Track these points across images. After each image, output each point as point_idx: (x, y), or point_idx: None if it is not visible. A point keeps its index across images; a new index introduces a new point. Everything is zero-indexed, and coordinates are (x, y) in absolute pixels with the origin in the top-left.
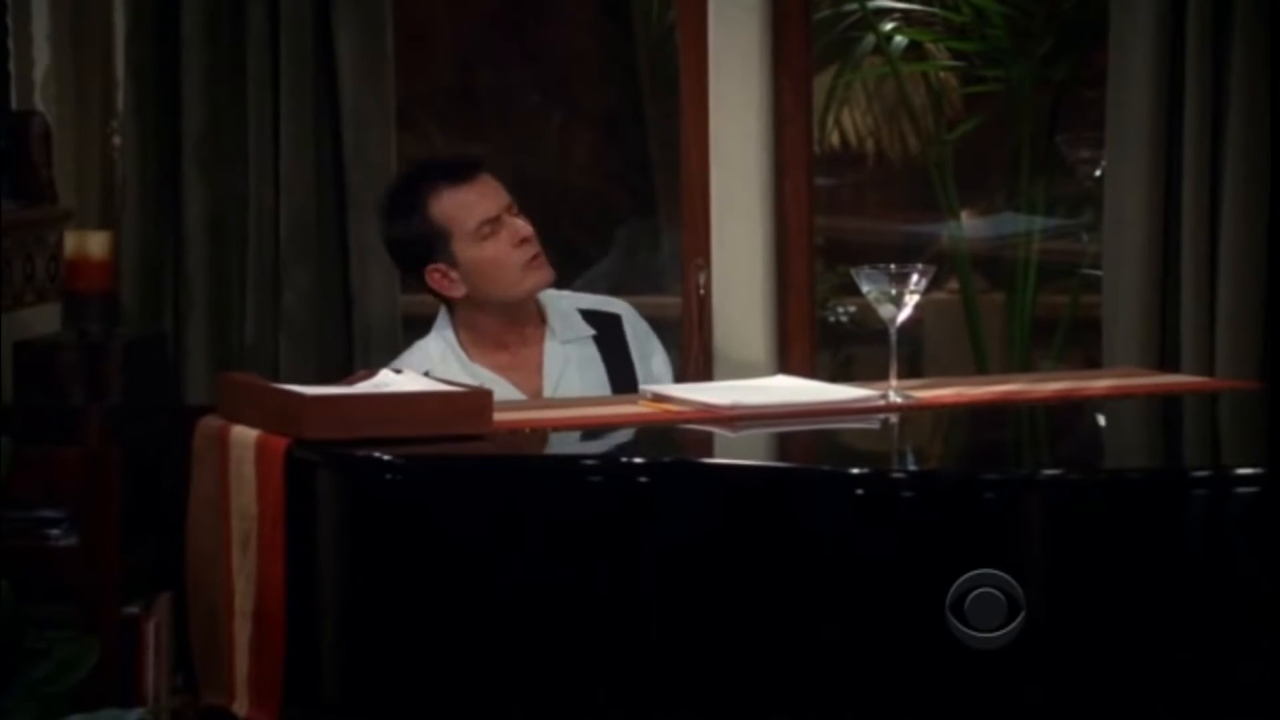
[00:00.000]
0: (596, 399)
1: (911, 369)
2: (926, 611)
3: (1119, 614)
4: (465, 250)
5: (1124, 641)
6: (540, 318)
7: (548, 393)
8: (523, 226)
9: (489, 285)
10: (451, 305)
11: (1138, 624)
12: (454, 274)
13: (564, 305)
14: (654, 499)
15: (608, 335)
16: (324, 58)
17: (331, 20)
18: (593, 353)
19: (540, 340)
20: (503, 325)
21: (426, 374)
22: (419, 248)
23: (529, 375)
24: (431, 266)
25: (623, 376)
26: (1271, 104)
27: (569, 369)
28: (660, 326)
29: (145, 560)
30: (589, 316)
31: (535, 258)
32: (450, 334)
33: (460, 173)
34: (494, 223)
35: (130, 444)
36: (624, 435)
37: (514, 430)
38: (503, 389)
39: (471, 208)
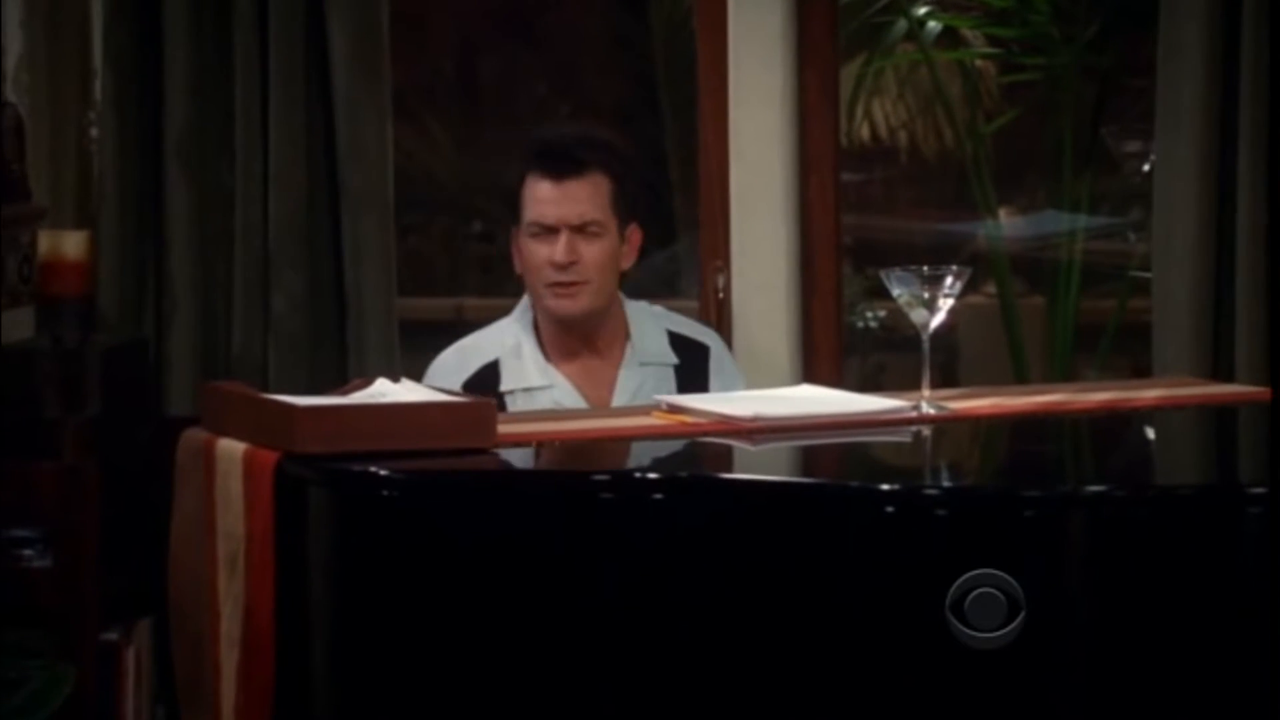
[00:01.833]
0: (609, 410)
1: (945, 378)
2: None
3: (1168, 637)
4: (520, 237)
5: (1169, 665)
6: (625, 332)
7: None
8: (560, 251)
9: (526, 280)
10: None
11: (1186, 647)
12: (516, 248)
13: (652, 325)
14: (669, 517)
15: (691, 366)
16: (316, 45)
17: (324, 5)
18: (671, 382)
19: (619, 357)
20: (562, 330)
21: (495, 362)
22: (515, 197)
23: (599, 391)
24: (518, 227)
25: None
26: None
27: (641, 394)
28: None
29: (125, 583)
30: (677, 342)
31: (560, 286)
32: (530, 322)
33: (552, 167)
34: (546, 231)
35: (109, 458)
36: (638, 449)
37: (520, 443)
38: (572, 399)
39: (536, 206)
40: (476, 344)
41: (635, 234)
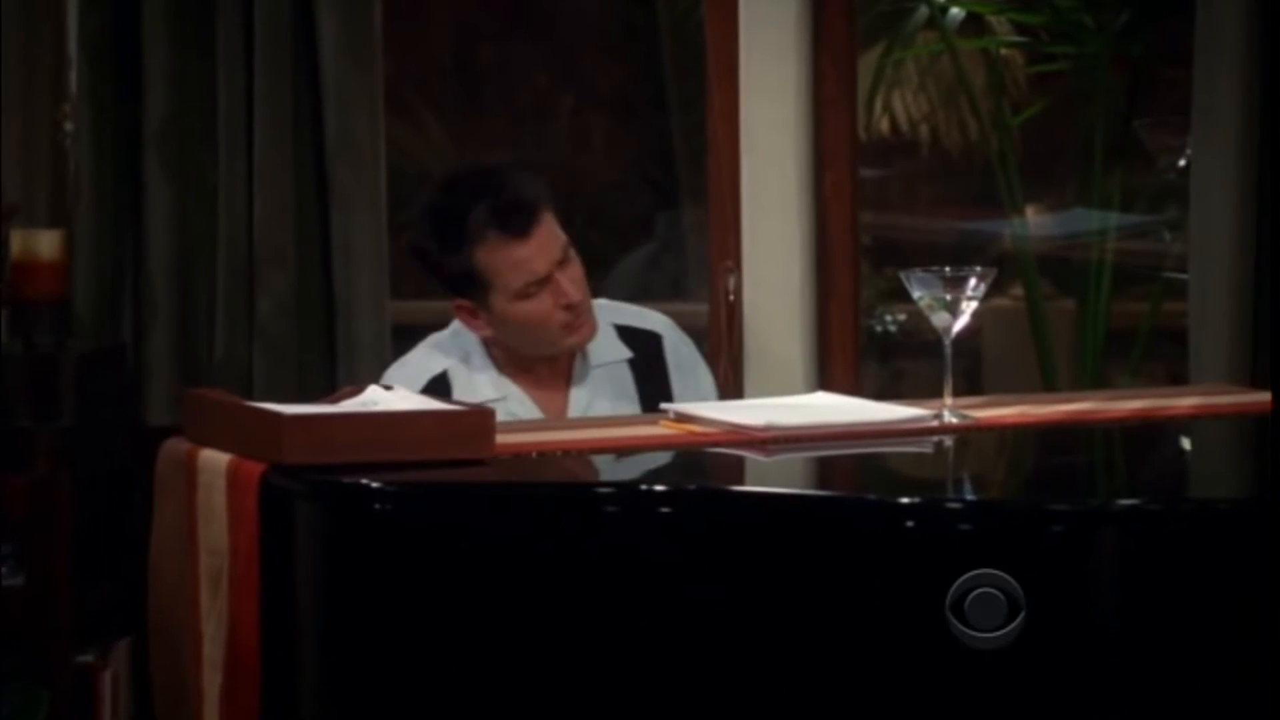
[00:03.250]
0: (613, 419)
1: (969, 385)
2: (981, 656)
3: (1201, 657)
4: (502, 304)
5: (1202, 684)
6: None
7: None
8: (569, 288)
9: (518, 339)
10: None
11: (1221, 666)
12: (483, 316)
13: (598, 320)
14: (677, 531)
15: (645, 358)
16: (304, 33)
17: None
18: (627, 378)
19: (569, 362)
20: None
21: (444, 374)
22: (451, 282)
23: (554, 399)
24: (460, 302)
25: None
26: None
27: (598, 398)
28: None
29: (101, 602)
30: (626, 335)
31: (577, 318)
32: (476, 338)
33: (518, 225)
34: (542, 283)
35: (84, 470)
36: (644, 460)
37: (519, 454)
38: (527, 410)
39: (521, 267)
40: (422, 357)
41: None
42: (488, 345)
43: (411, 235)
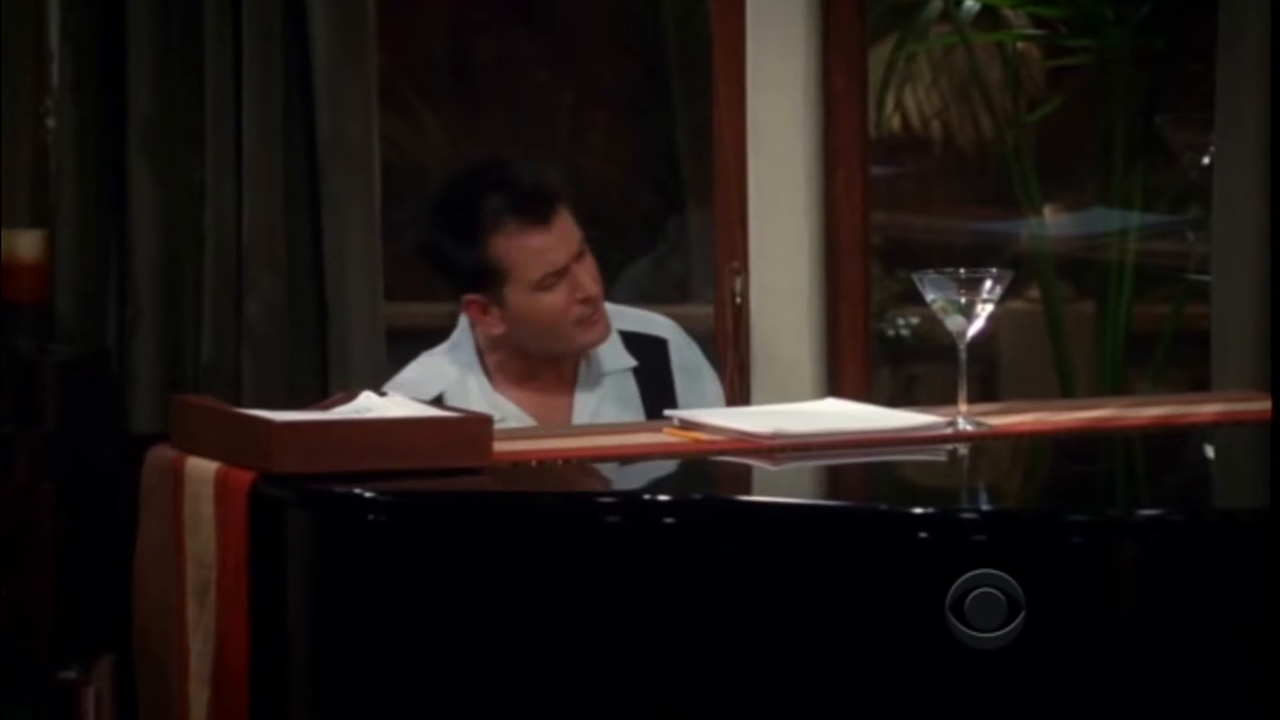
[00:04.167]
0: (614, 426)
1: (984, 391)
2: (996, 671)
3: (1226, 672)
4: (518, 297)
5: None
6: None
7: None
8: (587, 281)
9: (533, 336)
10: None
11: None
12: (495, 312)
13: None
14: (682, 543)
15: (649, 365)
16: (294, 25)
17: None
18: (632, 388)
19: (573, 373)
20: (512, 355)
21: (440, 397)
22: (463, 277)
23: (555, 417)
24: (471, 298)
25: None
26: None
27: (604, 408)
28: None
29: (84, 616)
30: (630, 341)
31: (593, 315)
32: (473, 352)
33: (536, 212)
34: (559, 274)
35: (67, 479)
36: (646, 469)
37: (518, 462)
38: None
39: (539, 257)
40: (416, 378)
41: None
42: (486, 362)
43: (419, 231)
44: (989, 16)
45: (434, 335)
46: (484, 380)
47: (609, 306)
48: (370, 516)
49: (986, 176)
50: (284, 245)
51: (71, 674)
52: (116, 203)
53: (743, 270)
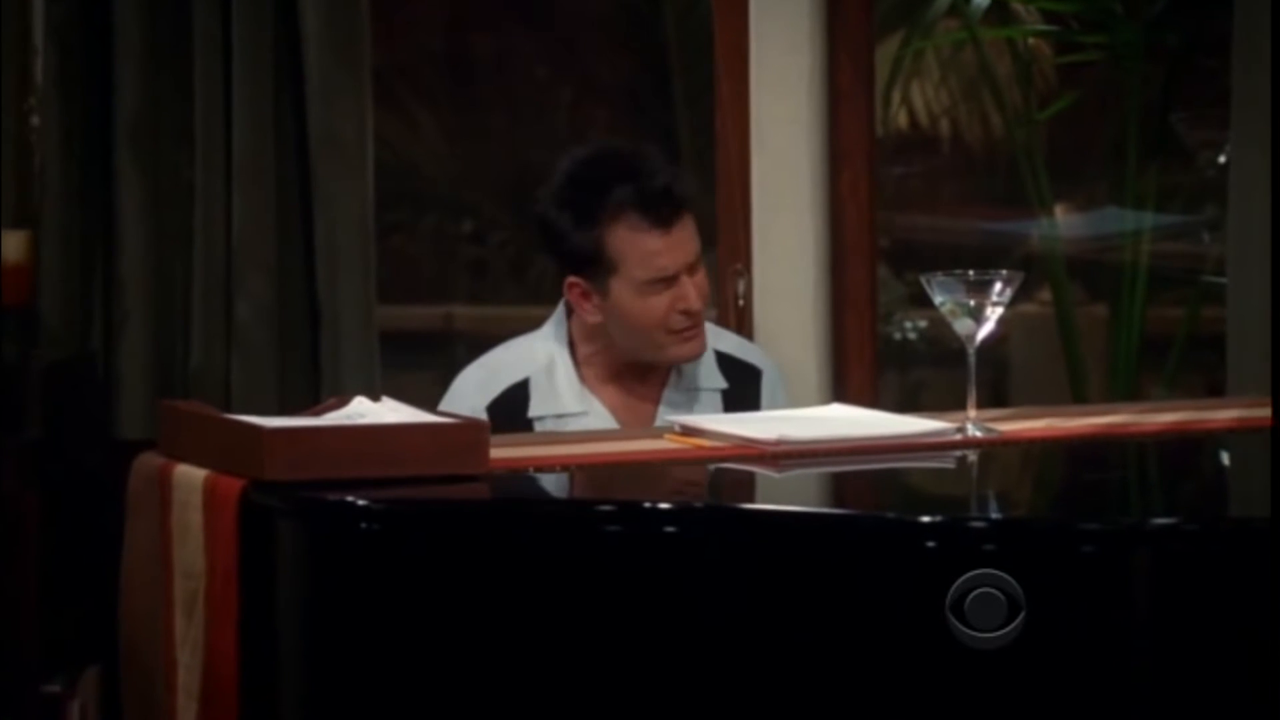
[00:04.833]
0: (616, 433)
1: (994, 397)
2: (1007, 685)
3: (1240, 683)
4: (621, 292)
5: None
6: None
7: None
8: (693, 294)
9: (626, 335)
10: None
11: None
12: (596, 300)
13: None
14: (683, 552)
15: (740, 392)
16: (286, 20)
17: None
18: (718, 409)
19: (662, 381)
20: (604, 350)
21: (525, 381)
22: (572, 258)
23: (639, 421)
24: (575, 280)
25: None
26: None
27: None
28: None
29: (69, 627)
30: (725, 364)
31: (691, 329)
32: (565, 340)
33: (660, 213)
34: (668, 281)
35: (51, 487)
36: (648, 475)
37: (516, 470)
38: (608, 427)
39: (651, 259)
40: (504, 360)
41: None
42: (576, 354)
43: (540, 202)
44: (998, 12)
45: (427, 339)
46: (572, 371)
47: (709, 326)
48: (363, 525)
49: (996, 176)
50: (274, 246)
51: (56, 687)
52: (102, 202)
53: (746, 272)
